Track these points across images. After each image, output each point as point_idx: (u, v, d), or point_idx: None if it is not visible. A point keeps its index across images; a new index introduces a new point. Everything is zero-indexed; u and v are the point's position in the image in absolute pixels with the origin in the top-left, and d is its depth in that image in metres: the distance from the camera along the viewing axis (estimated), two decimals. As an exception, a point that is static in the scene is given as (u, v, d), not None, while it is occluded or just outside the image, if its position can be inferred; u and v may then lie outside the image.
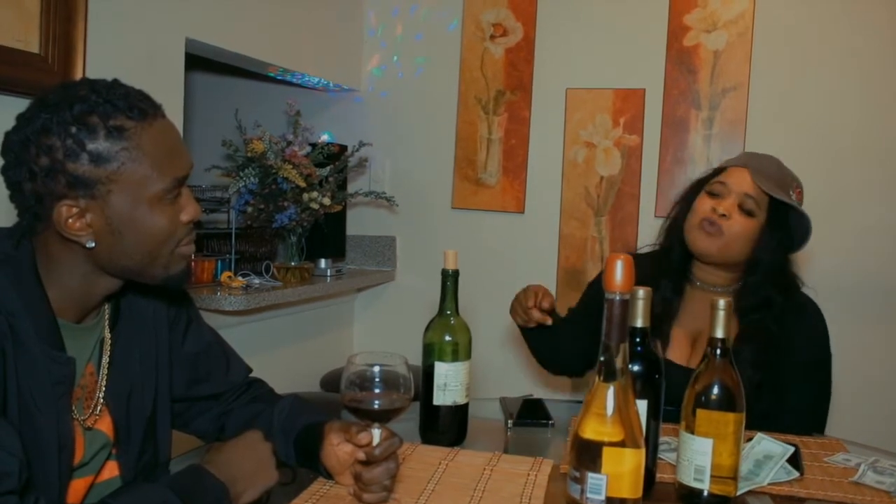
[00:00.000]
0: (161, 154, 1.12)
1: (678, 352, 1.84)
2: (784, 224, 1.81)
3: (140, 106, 1.11)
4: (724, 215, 1.78)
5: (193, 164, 1.20)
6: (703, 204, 1.82)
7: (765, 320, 1.78)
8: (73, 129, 1.06)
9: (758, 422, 1.57)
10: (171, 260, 1.18)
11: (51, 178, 1.07)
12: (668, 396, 1.32)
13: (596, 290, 2.06)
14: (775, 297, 1.79)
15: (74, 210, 1.09)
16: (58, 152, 1.06)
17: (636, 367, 1.25)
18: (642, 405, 1.25)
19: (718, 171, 1.88)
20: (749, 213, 1.78)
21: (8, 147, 1.09)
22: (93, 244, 1.11)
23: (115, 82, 1.13)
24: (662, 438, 1.45)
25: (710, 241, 1.79)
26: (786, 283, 1.84)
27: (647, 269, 1.71)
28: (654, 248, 1.99)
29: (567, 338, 1.96)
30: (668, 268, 1.89)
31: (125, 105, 1.10)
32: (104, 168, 1.08)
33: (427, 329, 1.55)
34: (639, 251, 2.04)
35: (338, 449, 1.27)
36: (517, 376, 3.29)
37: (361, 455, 1.19)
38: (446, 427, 1.54)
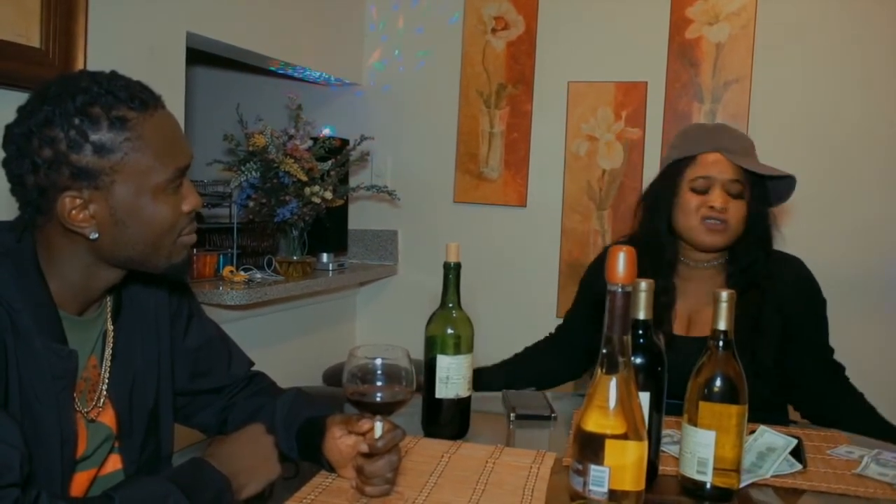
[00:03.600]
0: (163, 144, 1.12)
1: (679, 327, 1.89)
2: (764, 189, 1.87)
3: (141, 97, 1.11)
4: (723, 209, 1.80)
5: (193, 154, 1.20)
6: (693, 202, 1.83)
7: (754, 279, 1.84)
8: (77, 121, 1.06)
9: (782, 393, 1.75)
10: (174, 249, 1.18)
11: (54, 169, 1.07)
12: (678, 372, 1.32)
13: (589, 289, 2.07)
14: (760, 254, 1.86)
15: (78, 201, 1.08)
16: (61, 144, 1.06)
17: (639, 360, 1.25)
18: (645, 397, 1.24)
19: (689, 160, 1.86)
20: (739, 196, 1.82)
21: (9, 140, 1.09)
22: (96, 235, 1.11)
23: (114, 74, 1.13)
24: (665, 431, 1.45)
25: (718, 236, 1.82)
26: (768, 239, 1.91)
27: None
28: (630, 236, 2.00)
29: (566, 350, 2.06)
30: (661, 261, 1.89)
31: (126, 96, 1.10)
32: (108, 159, 1.08)
33: (429, 322, 1.55)
34: (620, 240, 2.05)
35: (340, 442, 1.27)
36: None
37: (364, 448, 1.19)
38: (448, 420, 1.54)
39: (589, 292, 2.05)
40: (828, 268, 3.09)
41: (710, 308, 1.27)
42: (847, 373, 1.92)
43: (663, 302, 1.84)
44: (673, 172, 1.89)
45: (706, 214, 1.81)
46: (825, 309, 1.93)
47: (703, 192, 1.82)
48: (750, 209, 1.83)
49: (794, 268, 1.93)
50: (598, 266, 2.02)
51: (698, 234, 1.83)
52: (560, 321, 2.15)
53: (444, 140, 3.57)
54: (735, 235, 1.83)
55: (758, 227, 1.86)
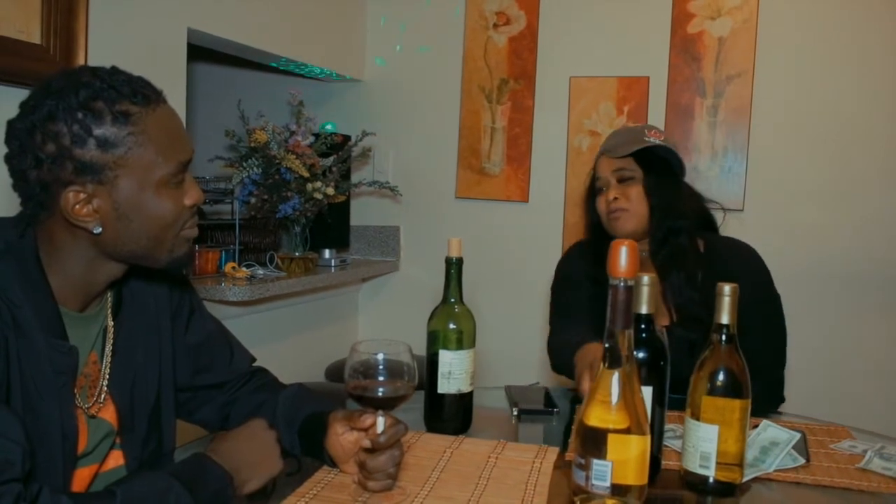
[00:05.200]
0: (165, 139, 1.12)
1: (662, 318, 1.90)
2: (657, 165, 1.93)
3: (143, 91, 1.11)
4: (615, 198, 1.92)
5: (194, 148, 1.20)
6: (599, 204, 1.98)
7: (679, 250, 1.89)
8: (80, 115, 1.06)
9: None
10: (176, 243, 1.18)
11: (57, 164, 1.07)
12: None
13: (566, 284, 2.09)
14: (675, 224, 1.90)
15: (82, 196, 1.08)
16: (64, 138, 1.06)
17: (641, 354, 1.25)
18: (647, 392, 1.24)
19: (593, 171, 2.02)
20: (629, 180, 1.92)
21: (12, 135, 1.09)
22: (100, 230, 1.11)
23: (116, 69, 1.13)
24: (668, 425, 1.44)
25: (622, 223, 1.92)
26: (696, 209, 1.97)
27: (590, 265, 1.96)
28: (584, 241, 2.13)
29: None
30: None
31: (129, 90, 1.10)
32: (111, 153, 1.08)
33: (431, 317, 1.54)
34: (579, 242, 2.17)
35: (342, 438, 1.27)
36: (522, 365, 3.29)
37: (366, 443, 1.19)
38: (451, 415, 1.54)
39: (570, 281, 2.07)
40: (830, 261, 3.11)
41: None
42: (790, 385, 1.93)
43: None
44: (589, 184, 2.05)
45: (607, 209, 1.95)
46: (774, 305, 1.92)
47: (602, 192, 1.97)
48: (648, 187, 1.91)
49: (745, 256, 1.95)
50: (569, 260, 2.15)
51: (610, 227, 1.95)
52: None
53: (446, 135, 3.56)
54: (637, 216, 1.91)
55: (660, 199, 1.91)
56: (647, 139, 1.93)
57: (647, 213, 1.91)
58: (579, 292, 2.00)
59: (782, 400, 1.92)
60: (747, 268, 1.91)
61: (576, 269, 2.06)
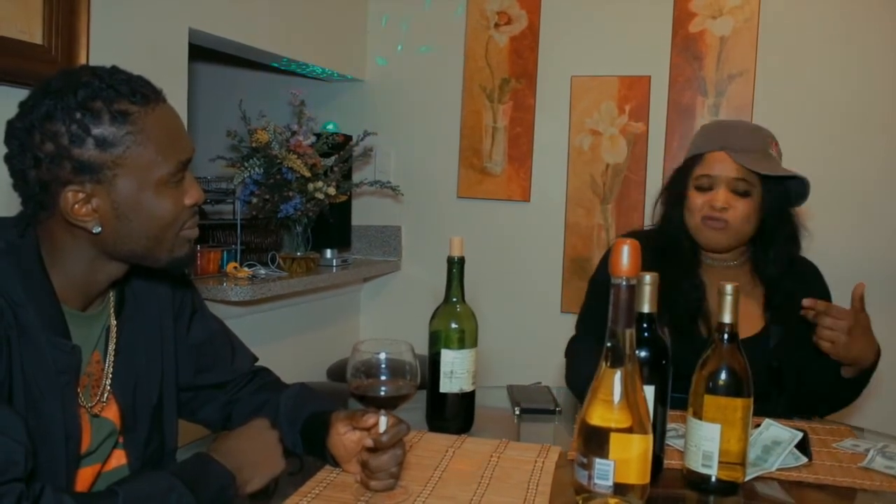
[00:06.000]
0: (164, 138, 1.12)
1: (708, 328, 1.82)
2: (778, 186, 1.81)
3: (142, 91, 1.11)
4: (723, 208, 1.76)
5: (195, 147, 1.20)
6: (696, 200, 1.81)
7: (774, 280, 1.83)
8: (78, 115, 1.06)
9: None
10: (176, 243, 1.18)
11: (56, 164, 1.07)
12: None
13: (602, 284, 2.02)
14: (778, 255, 1.82)
15: (81, 195, 1.08)
16: (63, 138, 1.06)
17: (643, 353, 1.25)
18: (649, 391, 1.24)
19: (697, 158, 1.84)
20: (745, 194, 1.77)
21: (11, 135, 1.09)
22: (99, 229, 1.11)
23: (115, 68, 1.13)
24: (670, 425, 1.44)
25: (719, 235, 1.79)
26: (787, 239, 1.86)
27: (655, 260, 1.68)
28: (653, 228, 1.97)
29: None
30: (680, 262, 1.84)
31: (128, 90, 1.09)
32: (110, 153, 1.08)
33: (433, 316, 1.54)
34: (643, 229, 2.04)
35: (345, 438, 1.27)
36: (524, 364, 3.27)
37: (369, 442, 1.18)
38: (453, 415, 1.54)
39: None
40: (831, 260, 3.09)
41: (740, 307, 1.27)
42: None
43: (694, 298, 1.80)
44: (683, 170, 1.87)
45: (707, 214, 1.78)
46: None
47: (708, 190, 1.79)
48: (762, 208, 1.78)
49: (811, 275, 1.92)
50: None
51: (699, 233, 1.82)
52: (563, 315, 2.12)
53: (448, 135, 3.56)
54: (739, 235, 1.79)
55: (773, 227, 1.81)
56: (771, 153, 1.81)
57: (749, 234, 1.80)
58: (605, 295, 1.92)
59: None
60: (810, 288, 1.85)
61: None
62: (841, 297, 1.86)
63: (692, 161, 1.85)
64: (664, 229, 1.91)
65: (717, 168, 1.78)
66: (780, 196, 1.81)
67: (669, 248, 1.86)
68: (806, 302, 1.63)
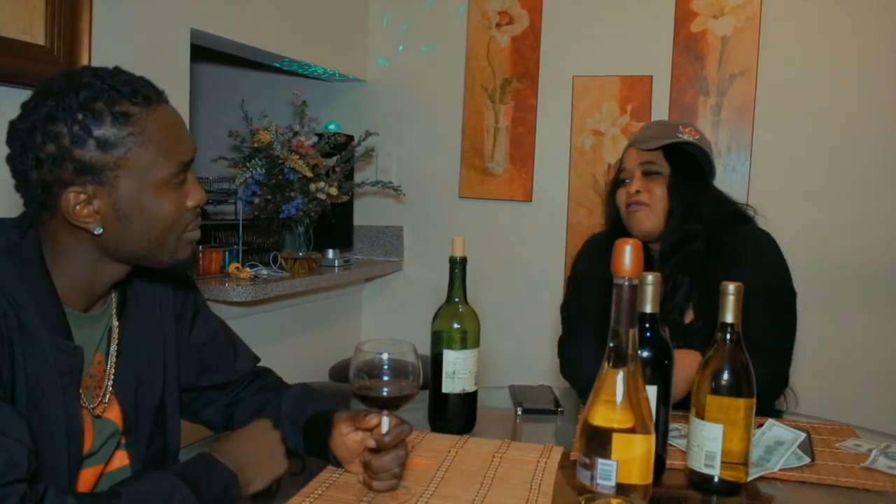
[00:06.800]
0: (166, 139, 1.12)
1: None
2: (688, 162, 1.86)
3: (144, 92, 1.11)
4: (637, 192, 1.84)
5: (197, 148, 1.20)
6: (619, 196, 1.90)
7: (691, 256, 1.80)
8: (80, 116, 1.06)
9: None
10: (179, 245, 1.18)
11: (58, 165, 1.07)
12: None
13: (581, 284, 2.01)
14: (698, 230, 1.81)
15: (82, 197, 1.08)
16: (64, 139, 1.06)
17: (645, 353, 1.24)
18: (652, 391, 1.24)
19: (619, 162, 1.95)
20: (654, 175, 1.84)
21: (13, 136, 1.09)
22: (100, 231, 1.11)
23: (117, 69, 1.13)
24: (673, 425, 1.44)
25: (643, 216, 1.84)
26: (717, 215, 1.86)
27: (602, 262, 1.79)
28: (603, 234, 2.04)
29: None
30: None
31: (129, 91, 1.09)
32: (111, 154, 1.08)
33: (435, 317, 1.54)
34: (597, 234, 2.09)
35: (347, 438, 1.27)
36: (526, 365, 3.28)
37: (371, 443, 1.19)
38: (455, 415, 1.54)
39: (586, 280, 1.98)
40: (834, 259, 3.10)
41: None
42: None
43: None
44: (613, 176, 1.97)
45: (627, 201, 1.87)
46: (786, 298, 1.82)
47: (626, 183, 1.89)
48: (671, 184, 1.83)
49: (761, 246, 1.86)
50: (585, 256, 2.05)
51: (629, 223, 1.87)
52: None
53: (449, 135, 3.56)
54: (660, 215, 1.83)
55: (683, 201, 1.82)
56: (680, 135, 1.85)
57: (667, 213, 1.83)
58: (593, 293, 1.92)
59: (780, 393, 1.85)
60: (753, 257, 1.81)
61: (591, 267, 1.98)
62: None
63: (616, 167, 1.97)
64: (613, 233, 1.93)
65: (628, 161, 1.89)
66: (688, 175, 1.85)
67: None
68: None
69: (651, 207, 1.83)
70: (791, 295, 1.83)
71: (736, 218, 1.91)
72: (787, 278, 1.84)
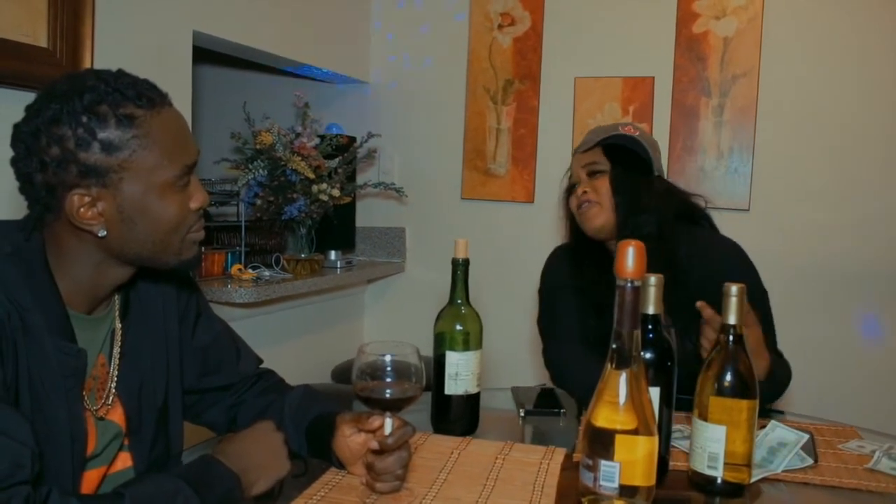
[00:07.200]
0: (170, 141, 1.13)
1: None
2: (627, 157, 1.89)
3: (148, 94, 1.12)
4: (585, 192, 1.89)
5: (200, 151, 1.20)
6: (572, 202, 1.95)
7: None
8: (84, 119, 1.06)
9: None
10: (183, 246, 1.19)
11: (62, 167, 1.07)
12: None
13: (553, 294, 2.05)
14: (646, 220, 1.83)
15: (86, 199, 1.09)
16: (69, 142, 1.06)
17: (648, 355, 1.24)
18: (655, 392, 1.24)
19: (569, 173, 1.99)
20: (598, 173, 1.89)
21: (18, 138, 1.09)
22: (104, 233, 1.11)
23: (121, 72, 1.14)
24: (675, 426, 1.44)
25: (590, 215, 1.89)
26: (666, 204, 1.88)
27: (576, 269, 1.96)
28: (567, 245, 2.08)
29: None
30: (598, 263, 1.92)
31: (133, 94, 1.10)
32: (115, 156, 1.08)
33: (438, 318, 1.54)
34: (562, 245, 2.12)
35: (350, 440, 1.27)
36: (529, 366, 3.28)
37: (374, 444, 1.19)
38: (458, 416, 1.54)
39: (558, 290, 2.03)
40: (836, 260, 3.10)
41: None
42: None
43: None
44: (567, 187, 2.00)
45: (577, 203, 1.91)
46: (762, 301, 1.82)
47: (574, 188, 1.94)
48: (611, 179, 1.87)
49: (725, 251, 1.89)
50: (554, 267, 2.10)
51: (582, 223, 1.92)
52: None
53: (452, 136, 3.56)
54: (609, 209, 1.86)
55: (625, 193, 1.86)
56: (616, 133, 1.91)
57: (615, 209, 1.86)
58: (567, 301, 1.97)
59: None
60: (731, 265, 1.83)
61: (559, 278, 2.04)
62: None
63: (567, 178, 2.00)
64: (574, 240, 2.02)
65: (574, 168, 1.95)
66: (626, 167, 1.88)
67: (583, 253, 1.97)
68: (700, 304, 1.59)
69: (600, 204, 1.87)
70: (766, 297, 1.87)
71: (686, 208, 1.94)
72: (760, 282, 1.87)
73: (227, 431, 1.44)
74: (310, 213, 2.97)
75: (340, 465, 1.29)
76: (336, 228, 3.24)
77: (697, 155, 3.19)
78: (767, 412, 1.73)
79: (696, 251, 1.85)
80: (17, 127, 1.10)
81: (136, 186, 1.10)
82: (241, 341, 1.50)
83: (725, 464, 1.24)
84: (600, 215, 1.87)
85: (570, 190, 1.96)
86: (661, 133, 3.24)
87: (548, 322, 2.05)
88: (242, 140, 2.92)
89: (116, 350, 1.24)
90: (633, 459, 1.08)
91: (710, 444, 1.25)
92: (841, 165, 3.08)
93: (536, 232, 3.46)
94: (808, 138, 3.11)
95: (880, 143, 3.04)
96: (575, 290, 1.94)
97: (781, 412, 1.85)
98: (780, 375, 1.77)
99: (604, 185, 1.87)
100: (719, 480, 1.25)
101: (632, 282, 1.08)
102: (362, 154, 3.22)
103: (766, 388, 1.61)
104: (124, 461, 1.26)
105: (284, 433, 1.27)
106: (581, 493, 1.13)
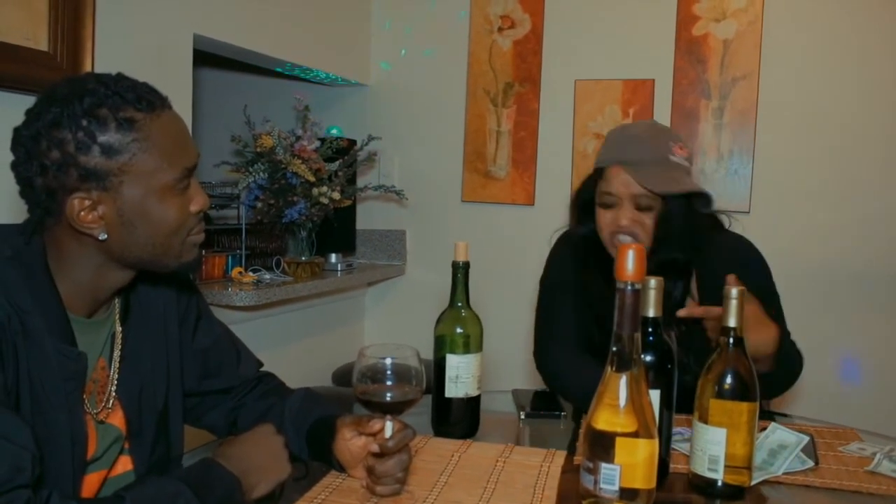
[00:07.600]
0: (170, 145, 1.13)
1: None
2: (680, 199, 1.74)
3: (148, 98, 1.12)
4: (628, 223, 1.74)
5: (200, 154, 1.20)
6: (604, 218, 1.78)
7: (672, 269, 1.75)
8: (84, 122, 1.06)
9: None
10: (183, 249, 1.19)
11: (63, 171, 1.07)
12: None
13: (555, 289, 2.01)
14: (676, 258, 1.75)
15: (87, 203, 1.09)
16: (69, 145, 1.06)
17: (648, 357, 1.24)
18: (655, 395, 1.24)
19: (600, 171, 1.80)
20: (647, 209, 1.73)
21: (18, 142, 1.09)
22: (105, 236, 1.11)
23: (121, 75, 1.14)
24: (676, 429, 1.44)
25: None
26: (698, 230, 1.78)
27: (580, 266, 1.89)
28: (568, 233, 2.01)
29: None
30: (602, 270, 1.83)
31: (133, 97, 1.10)
32: (115, 160, 1.08)
33: (438, 321, 1.54)
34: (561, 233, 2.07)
35: (350, 443, 1.27)
36: (529, 369, 3.26)
37: (375, 447, 1.19)
38: (458, 419, 1.54)
39: (561, 285, 2.00)
40: (836, 261, 3.10)
41: None
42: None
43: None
44: (590, 182, 1.85)
45: (615, 230, 1.76)
46: (773, 303, 1.79)
47: (612, 206, 1.76)
48: (665, 218, 1.74)
49: (738, 249, 1.84)
50: (560, 261, 2.06)
51: (611, 250, 1.79)
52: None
53: (452, 139, 3.57)
54: (647, 244, 1.73)
55: (669, 233, 1.74)
56: (672, 158, 1.74)
57: (652, 241, 1.75)
58: (568, 303, 1.93)
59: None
60: (746, 267, 1.73)
61: (566, 272, 1.98)
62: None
63: (596, 174, 1.83)
64: (579, 234, 1.91)
65: (616, 185, 1.74)
66: (682, 204, 1.75)
67: (591, 256, 1.88)
68: (681, 312, 1.60)
69: (639, 240, 1.74)
70: (777, 300, 1.83)
71: (712, 227, 1.87)
72: (773, 284, 1.84)
73: (227, 434, 1.44)
74: (310, 215, 2.98)
75: (341, 469, 1.29)
76: (336, 231, 3.24)
77: (697, 157, 3.19)
78: (772, 416, 1.73)
79: (714, 254, 1.79)
80: (17, 131, 1.10)
81: (136, 190, 1.10)
82: (241, 344, 1.50)
83: (726, 466, 1.24)
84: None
85: (600, 201, 1.78)
86: (661, 135, 3.24)
87: (545, 320, 2.00)
88: (243, 143, 2.92)
89: (117, 353, 1.24)
90: (633, 462, 1.08)
91: (710, 446, 1.25)
92: (841, 166, 3.08)
93: (537, 234, 3.44)
94: (808, 140, 3.11)
95: (880, 143, 3.04)
96: (577, 289, 1.91)
97: (787, 415, 1.85)
98: (791, 352, 1.73)
99: (649, 220, 1.73)
100: (720, 483, 1.25)
101: (632, 284, 1.08)
102: (362, 157, 3.22)
103: (778, 364, 1.60)
104: (125, 464, 1.26)
105: (285, 436, 1.27)
106: (582, 496, 1.13)
